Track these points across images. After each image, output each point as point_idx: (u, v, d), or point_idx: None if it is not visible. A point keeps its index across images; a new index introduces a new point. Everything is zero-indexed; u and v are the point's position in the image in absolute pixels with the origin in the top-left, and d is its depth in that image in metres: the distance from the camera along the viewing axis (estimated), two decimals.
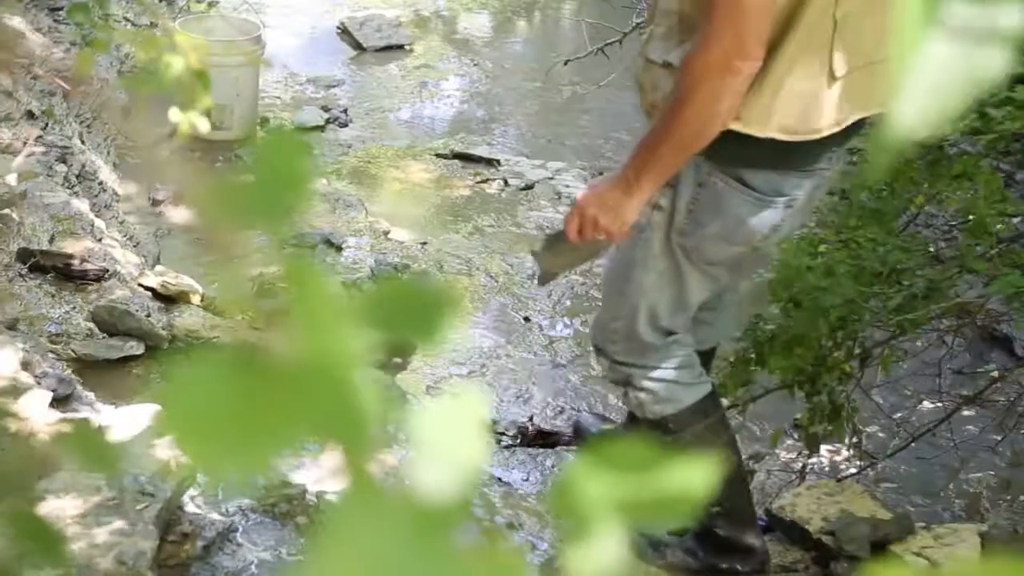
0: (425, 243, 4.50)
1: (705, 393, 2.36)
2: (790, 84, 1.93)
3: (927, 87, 0.38)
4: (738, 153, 2.02)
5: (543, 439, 3.37)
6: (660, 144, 1.97)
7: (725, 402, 2.59)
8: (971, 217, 2.44)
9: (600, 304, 2.45)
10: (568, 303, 4.12)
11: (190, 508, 2.22)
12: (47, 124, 4.14)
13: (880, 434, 3.36)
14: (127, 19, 5.71)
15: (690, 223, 2.13)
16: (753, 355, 2.60)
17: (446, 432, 0.41)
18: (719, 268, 2.23)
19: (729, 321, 2.60)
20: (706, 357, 2.57)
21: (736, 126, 1.96)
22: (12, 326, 2.86)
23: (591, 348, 2.48)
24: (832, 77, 1.95)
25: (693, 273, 2.21)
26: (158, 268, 3.75)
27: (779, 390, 2.82)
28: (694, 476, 0.42)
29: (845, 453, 3.19)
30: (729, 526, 2.43)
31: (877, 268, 2.40)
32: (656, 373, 2.31)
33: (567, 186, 4.92)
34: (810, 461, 3.10)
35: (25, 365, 2.60)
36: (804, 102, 1.96)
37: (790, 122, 1.97)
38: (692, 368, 2.35)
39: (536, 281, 2.36)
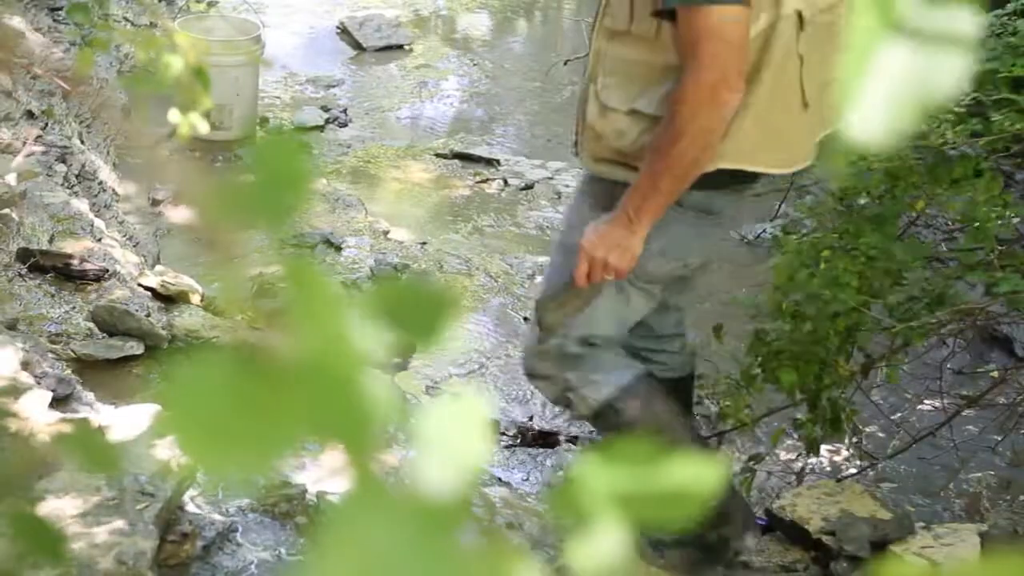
0: (425, 243, 4.50)
1: (641, 371, 2.41)
2: (772, 119, 2.04)
3: (883, 94, 0.38)
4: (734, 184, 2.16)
5: (543, 439, 3.37)
6: (659, 179, 2.04)
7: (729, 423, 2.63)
8: (973, 223, 2.44)
9: (525, 336, 2.50)
10: None
11: (190, 508, 2.22)
12: (47, 124, 4.14)
13: (880, 434, 3.36)
14: (127, 19, 5.71)
15: (655, 265, 2.23)
16: (760, 371, 2.60)
17: (449, 431, 0.41)
18: (656, 286, 2.31)
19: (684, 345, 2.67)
20: (686, 384, 2.64)
21: (724, 164, 2.06)
22: (12, 326, 2.86)
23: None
24: (805, 108, 2.06)
25: (635, 293, 2.29)
26: (158, 268, 3.75)
27: (783, 409, 2.82)
28: (697, 476, 0.42)
29: (845, 453, 3.19)
30: (717, 524, 2.46)
31: (879, 276, 2.40)
32: (590, 369, 2.37)
33: (567, 186, 4.92)
34: (810, 461, 3.10)
35: (25, 365, 2.60)
36: (787, 136, 2.07)
37: (782, 156, 2.09)
38: (618, 354, 2.40)
39: (539, 336, 2.39)
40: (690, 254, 2.25)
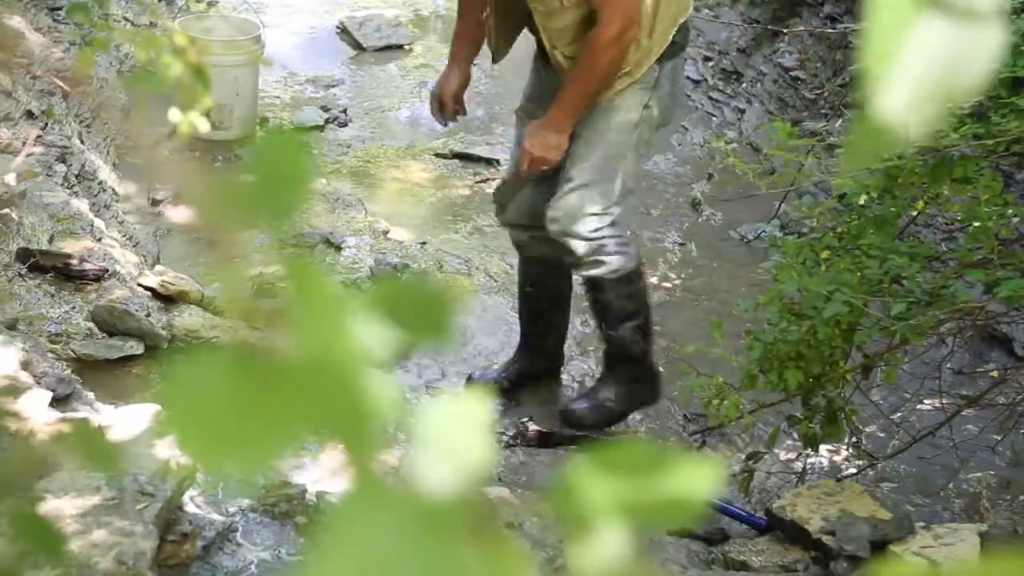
0: (424, 243, 4.50)
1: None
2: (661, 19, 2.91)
3: (914, 75, 0.36)
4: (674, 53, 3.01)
5: (542, 439, 3.37)
6: (581, 98, 2.91)
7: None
8: (974, 224, 2.44)
9: (567, 195, 3.04)
10: None
11: (190, 508, 2.22)
12: (46, 124, 4.14)
13: (880, 434, 3.36)
14: (126, 19, 5.71)
15: (661, 117, 3.05)
16: (759, 371, 2.60)
17: (449, 431, 0.41)
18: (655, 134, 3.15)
19: None
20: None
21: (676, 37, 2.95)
22: (12, 326, 2.86)
23: (584, 278, 3.20)
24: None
25: (646, 146, 3.14)
26: (157, 268, 3.75)
27: (774, 405, 2.83)
28: (694, 477, 0.42)
29: (845, 453, 3.19)
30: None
31: (879, 276, 2.40)
32: (623, 236, 3.08)
33: None
34: (810, 461, 3.10)
35: (25, 365, 2.59)
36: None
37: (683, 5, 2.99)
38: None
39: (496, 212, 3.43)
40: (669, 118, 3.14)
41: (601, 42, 2.80)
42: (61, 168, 3.93)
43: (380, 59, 6.47)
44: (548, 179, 3.14)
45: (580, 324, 3.93)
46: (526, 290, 3.50)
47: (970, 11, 0.36)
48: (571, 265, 3.15)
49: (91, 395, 2.71)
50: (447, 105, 3.36)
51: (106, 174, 4.30)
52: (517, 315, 3.65)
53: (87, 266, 3.32)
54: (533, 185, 3.21)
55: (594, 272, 3.08)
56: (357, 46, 6.55)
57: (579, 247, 3.03)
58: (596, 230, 3.02)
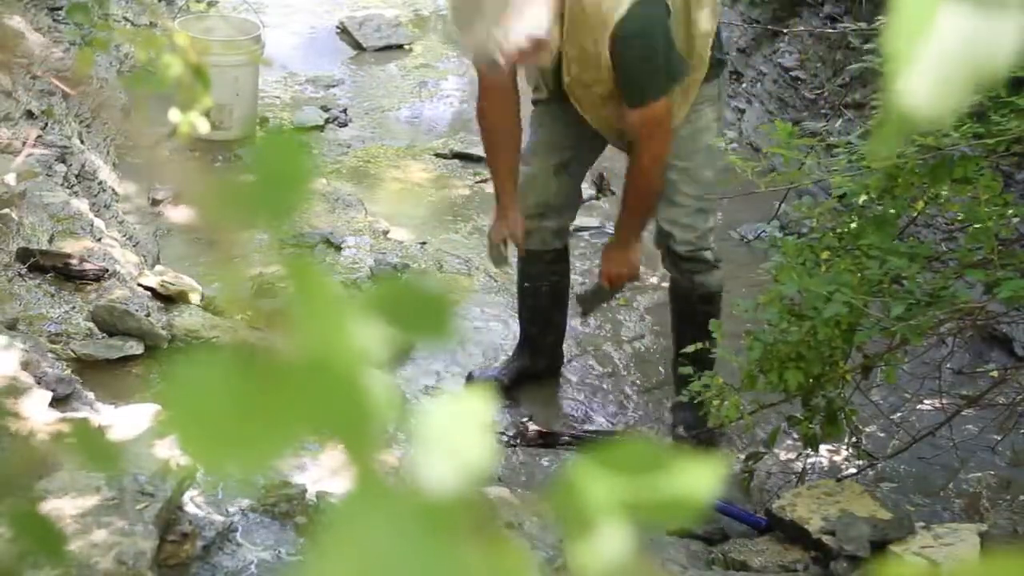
0: (424, 243, 4.50)
1: None
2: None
3: (938, 61, 0.36)
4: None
5: (542, 439, 3.37)
6: (642, 217, 3.12)
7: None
8: (974, 224, 2.44)
9: (693, 215, 3.15)
10: None
11: (190, 508, 2.22)
12: (47, 124, 4.14)
13: (880, 434, 3.36)
14: (126, 19, 5.71)
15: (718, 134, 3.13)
16: (760, 372, 2.60)
17: (449, 431, 0.41)
18: None
19: None
20: None
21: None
22: (12, 326, 2.86)
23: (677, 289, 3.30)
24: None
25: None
26: (157, 268, 3.75)
27: (774, 405, 2.83)
28: (695, 477, 0.42)
29: (845, 453, 3.19)
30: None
31: (879, 276, 2.40)
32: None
33: None
34: (810, 461, 3.10)
35: (25, 365, 2.60)
36: None
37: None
38: None
39: (580, 316, 3.63)
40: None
41: (644, 167, 2.96)
42: (61, 168, 3.93)
43: (380, 59, 6.47)
44: (566, 171, 3.27)
45: (579, 324, 3.94)
46: (525, 287, 3.51)
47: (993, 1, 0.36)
48: (690, 276, 3.23)
49: (91, 395, 2.71)
50: (519, 249, 3.34)
51: (106, 174, 4.30)
52: (517, 314, 3.65)
53: (87, 266, 3.32)
54: (553, 175, 3.27)
55: (711, 282, 3.22)
56: (357, 46, 6.55)
57: (709, 257, 3.19)
58: (713, 241, 3.22)
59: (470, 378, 3.61)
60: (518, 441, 3.35)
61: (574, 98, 2.99)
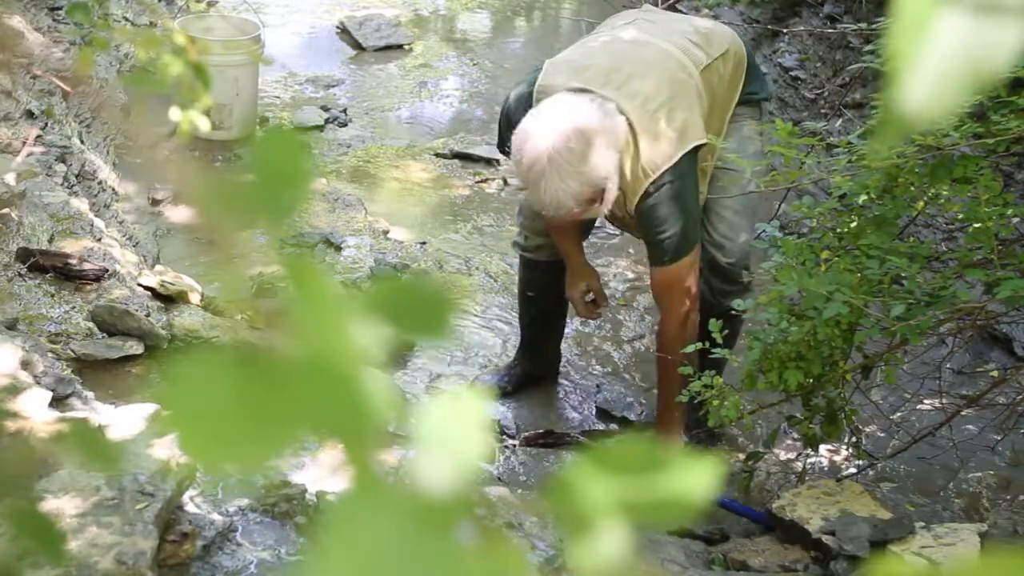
0: (424, 243, 4.50)
1: None
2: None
3: (937, 63, 0.36)
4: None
5: (543, 439, 3.37)
6: (675, 395, 2.88)
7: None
8: (974, 224, 2.43)
9: (740, 233, 3.13)
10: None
11: (190, 508, 2.22)
12: (46, 124, 4.14)
13: (880, 434, 3.36)
14: (126, 18, 5.71)
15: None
16: (760, 371, 2.60)
17: (448, 431, 0.41)
18: None
19: None
20: None
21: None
22: (12, 326, 2.86)
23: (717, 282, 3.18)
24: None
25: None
26: (157, 268, 3.75)
27: (773, 405, 2.83)
28: (694, 476, 0.42)
29: (845, 453, 3.19)
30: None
31: (879, 276, 2.40)
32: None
33: None
34: (810, 461, 3.10)
35: (24, 364, 2.59)
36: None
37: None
38: None
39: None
40: None
41: (670, 334, 2.98)
42: (61, 168, 3.93)
43: (380, 59, 6.47)
44: None
45: (580, 324, 3.94)
46: (528, 295, 3.50)
47: (994, 3, 0.36)
48: (721, 295, 3.16)
49: (91, 395, 2.71)
50: (602, 303, 3.36)
51: (106, 174, 4.30)
52: (518, 318, 3.64)
53: (87, 266, 3.31)
54: None
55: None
56: (357, 46, 6.55)
57: (746, 278, 3.15)
58: (751, 262, 3.20)
59: (471, 384, 3.61)
60: (518, 441, 3.35)
61: (608, 220, 3.06)
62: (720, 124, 2.99)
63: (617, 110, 2.74)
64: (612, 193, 2.74)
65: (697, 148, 2.82)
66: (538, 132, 2.67)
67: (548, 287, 3.41)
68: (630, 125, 2.75)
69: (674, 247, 2.86)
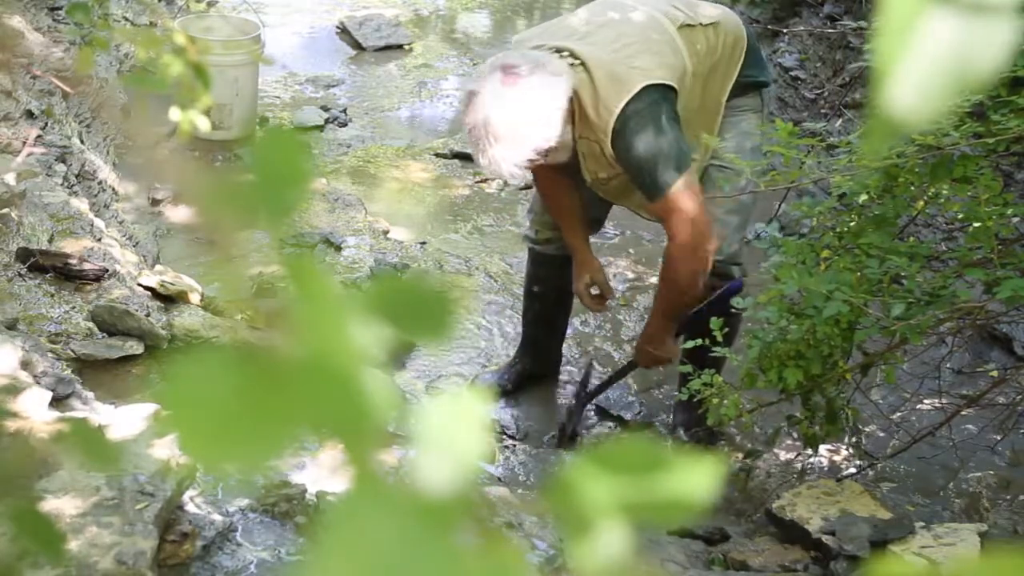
0: (424, 243, 4.50)
1: None
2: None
3: (924, 65, 0.36)
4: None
5: (542, 438, 3.37)
6: (670, 308, 3.01)
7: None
8: (974, 224, 2.43)
9: (736, 229, 3.12)
10: None
11: (190, 508, 2.22)
12: (46, 124, 4.14)
13: (880, 434, 3.36)
14: (126, 18, 5.71)
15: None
16: (759, 370, 2.60)
17: (448, 431, 0.41)
18: None
19: None
20: None
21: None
22: (12, 326, 2.86)
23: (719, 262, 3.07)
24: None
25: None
26: (157, 268, 3.75)
27: (772, 404, 2.83)
28: (694, 476, 0.42)
29: (845, 453, 3.19)
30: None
31: (879, 276, 2.40)
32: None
33: None
34: (810, 461, 3.10)
35: (24, 364, 2.59)
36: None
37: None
38: None
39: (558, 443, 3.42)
40: None
41: (672, 255, 2.87)
42: (61, 168, 3.93)
43: (380, 59, 6.47)
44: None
45: (580, 324, 3.94)
46: (532, 291, 3.50)
47: (982, 5, 0.36)
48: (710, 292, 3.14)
49: (91, 395, 2.71)
50: (607, 295, 3.34)
51: (106, 174, 4.30)
52: (521, 316, 3.65)
53: (87, 266, 3.31)
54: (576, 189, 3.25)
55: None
56: (357, 46, 6.56)
57: (736, 273, 3.12)
58: (743, 258, 3.18)
59: (472, 383, 3.61)
60: (519, 441, 3.36)
61: (599, 191, 3.02)
62: (719, 93, 2.96)
63: (570, 56, 2.75)
64: (562, 148, 2.78)
65: (670, 90, 2.78)
66: (480, 97, 2.72)
67: (553, 282, 3.42)
68: (584, 65, 2.74)
69: (656, 177, 2.76)
